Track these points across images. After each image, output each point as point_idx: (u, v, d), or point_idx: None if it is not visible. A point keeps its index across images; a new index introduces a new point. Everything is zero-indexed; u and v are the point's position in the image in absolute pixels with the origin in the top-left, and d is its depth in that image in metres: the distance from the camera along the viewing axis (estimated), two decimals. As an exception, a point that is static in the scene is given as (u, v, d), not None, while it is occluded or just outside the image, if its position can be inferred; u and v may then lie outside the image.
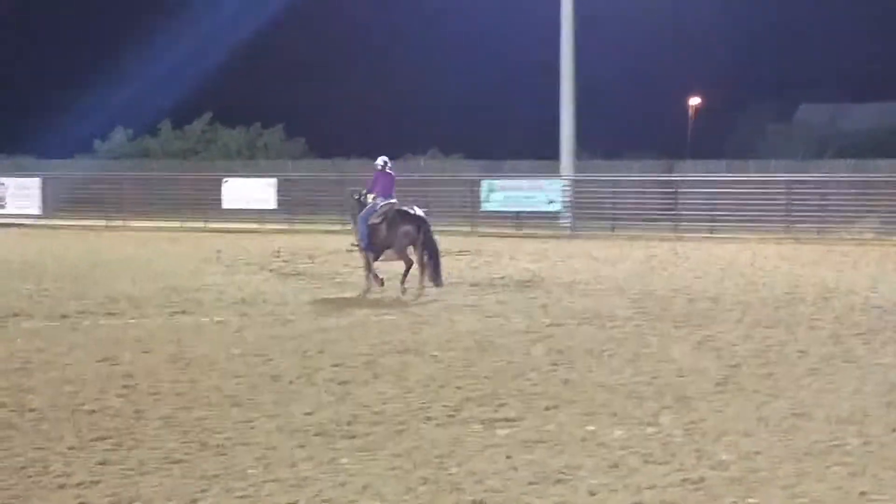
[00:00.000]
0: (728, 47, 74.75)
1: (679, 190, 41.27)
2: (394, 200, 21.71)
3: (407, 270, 20.82)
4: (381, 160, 22.23)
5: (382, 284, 20.91)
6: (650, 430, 10.12)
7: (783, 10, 74.29)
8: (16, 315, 17.68)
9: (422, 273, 20.94)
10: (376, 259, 21.31)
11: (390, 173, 22.10)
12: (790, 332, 15.93)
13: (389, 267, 21.38)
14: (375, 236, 21.19)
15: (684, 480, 8.55)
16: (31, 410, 10.90)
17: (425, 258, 20.96)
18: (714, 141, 62.09)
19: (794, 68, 74.67)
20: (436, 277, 20.99)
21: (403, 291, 20.58)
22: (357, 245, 21.94)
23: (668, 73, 71.02)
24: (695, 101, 73.47)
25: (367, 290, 20.90)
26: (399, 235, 20.98)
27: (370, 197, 21.68)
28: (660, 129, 67.56)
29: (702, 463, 9.05)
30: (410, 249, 20.98)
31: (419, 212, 21.57)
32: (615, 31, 62.41)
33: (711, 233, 38.39)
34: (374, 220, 21.29)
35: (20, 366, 13.29)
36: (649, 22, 64.90)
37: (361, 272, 21.80)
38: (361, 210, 21.59)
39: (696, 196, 41.53)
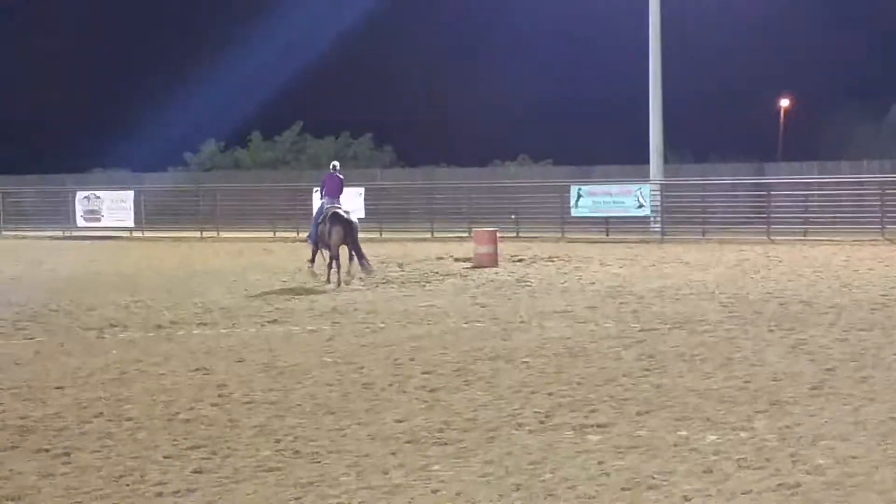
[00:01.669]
0: (818, 47, 73.77)
1: (771, 192, 40.83)
2: (337, 203, 25.22)
3: (330, 263, 24.25)
4: (333, 164, 26.44)
5: (314, 275, 24.62)
6: (744, 434, 10.02)
7: (873, 7, 73.19)
8: (112, 326, 17.98)
9: (350, 264, 24.60)
10: (315, 252, 25.06)
11: (339, 177, 25.72)
12: (886, 335, 15.69)
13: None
14: (320, 235, 24.69)
15: (780, 485, 8.46)
16: (128, 420, 11.07)
17: (353, 254, 24.60)
18: (805, 142, 61.41)
19: (886, 67, 73.54)
20: (366, 266, 24.64)
21: (328, 281, 24.03)
22: (307, 240, 26.28)
23: (757, 74, 70.36)
24: (785, 102, 72.71)
25: (315, 277, 24.58)
26: (332, 234, 24.25)
27: (318, 199, 26.40)
28: (750, 132, 66.98)
29: (797, 468, 8.94)
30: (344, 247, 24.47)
31: (350, 215, 25.28)
32: (703, 33, 61.90)
33: (804, 235, 37.90)
34: (319, 220, 24.89)
35: (116, 376, 13.51)
36: (738, 23, 64.31)
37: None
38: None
39: (788, 198, 41.08)
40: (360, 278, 24.56)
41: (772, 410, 10.92)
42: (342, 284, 23.71)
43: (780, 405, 11.14)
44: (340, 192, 25.76)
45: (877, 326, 16.45)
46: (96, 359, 14.75)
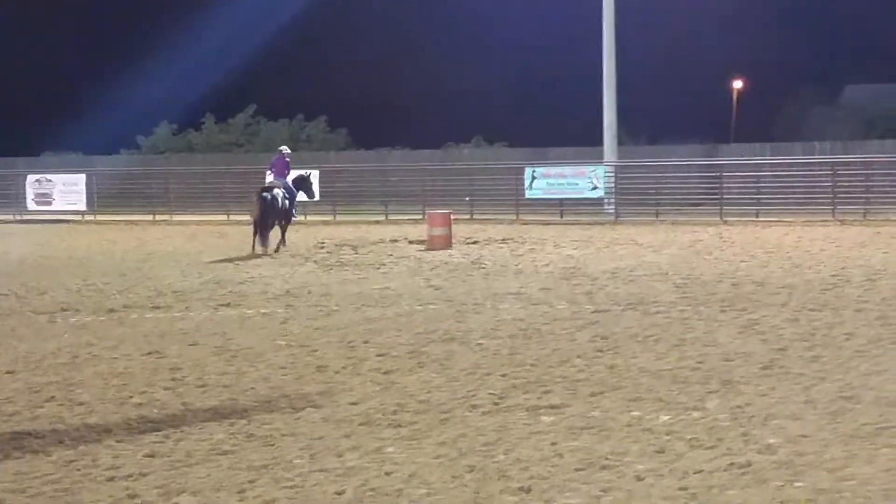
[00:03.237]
0: (772, 29, 74.21)
1: (723, 174, 41.08)
2: (277, 182, 29.07)
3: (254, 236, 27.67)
4: (280, 148, 30.83)
5: (254, 249, 27.31)
6: (696, 414, 10.08)
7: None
8: (64, 310, 17.86)
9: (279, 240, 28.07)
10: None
11: (286, 159, 29.80)
12: (837, 314, 15.83)
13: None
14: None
15: (731, 465, 8.51)
16: (80, 404, 10.99)
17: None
18: (759, 124, 61.85)
19: (840, 49, 74.12)
20: (263, 241, 27.40)
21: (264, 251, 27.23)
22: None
23: (711, 56, 70.63)
24: (738, 84, 73.09)
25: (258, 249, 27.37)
26: (258, 208, 27.31)
27: (269, 177, 29.55)
28: (703, 114, 67.25)
29: (749, 447, 9.00)
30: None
31: (275, 192, 28.06)
32: (657, 14, 62.10)
33: (756, 216, 38.21)
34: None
35: (68, 360, 13.41)
36: (691, 4, 64.51)
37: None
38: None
39: (740, 180, 41.39)
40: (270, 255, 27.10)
41: (723, 390, 10.99)
42: (257, 253, 27.02)
43: (731, 385, 11.21)
44: (285, 173, 29.59)
45: (828, 307, 16.59)
46: (48, 343, 14.65)
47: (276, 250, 27.58)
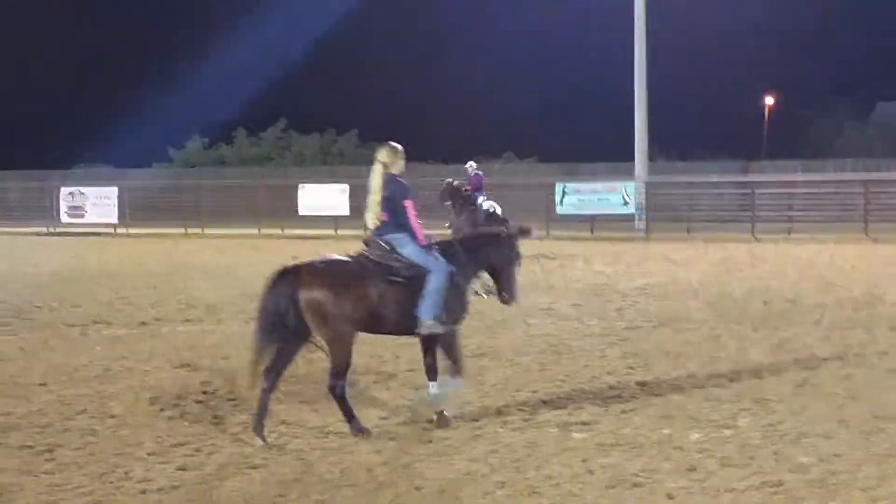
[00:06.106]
0: (804, 45, 73.99)
1: (755, 191, 40.92)
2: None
3: None
4: (470, 163, 27.99)
5: None
6: (728, 432, 10.04)
7: (858, 6, 73.39)
8: (96, 322, 17.93)
9: None
10: None
11: (479, 173, 27.30)
12: (870, 333, 15.72)
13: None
14: None
15: (763, 483, 8.48)
16: (112, 417, 11.04)
17: None
18: (790, 141, 61.60)
19: (871, 66, 73.80)
20: None
21: None
22: None
23: (742, 73, 70.54)
24: (770, 100, 72.88)
25: None
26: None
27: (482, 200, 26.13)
28: (735, 131, 67.12)
29: (781, 466, 8.96)
30: None
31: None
32: (689, 31, 62.04)
33: (789, 234, 38.02)
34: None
35: (100, 373, 13.48)
36: (723, 23, 64.42)
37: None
38: None
39: (772, 197, 41.20)
40: None
41: (755, 408, 10.94)
42: None
43: (763, 403, 11.16)
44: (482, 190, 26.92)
45: (860, 325, 16.49)
46: (80, 355, 14.71)
47: None
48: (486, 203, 26.13)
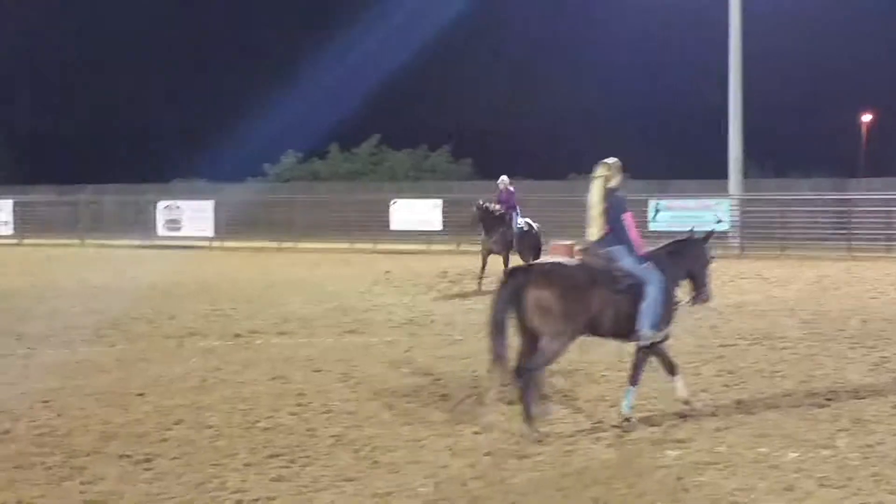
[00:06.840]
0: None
1: (852, 208, 40.35)
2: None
3: None
4: (503, 178, 26.84)
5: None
6: (825, 452, 9.91)
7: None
8: (192, 334, 18.15)
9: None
10: None
11: (510, 188, 26.53)
12: (971, 353, 15.45)
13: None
14: None
15: (862, 505, 8.37)
16: (208, 427, 11.17)
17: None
18: (888, 158, 60.65)
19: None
20: None
21: None
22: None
23: (839, 89, 69.60)
24: (867, 117, 71.92)
25: None
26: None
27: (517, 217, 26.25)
28: (831, 147, 66.24)
29: (880, 488, 8.83)
30: None
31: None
32: (785, 46, 61.41)
33: (887, 251, 37.43)
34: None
35: (196, 384, 13.64)
36: (819, 38, 63.71)
37: None
38: None
39: (870, 214, 40.56)
40: None
41: (854, 428, 10.79)
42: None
43: (862, 423, 11.00)
44: (514, 205, 26.56)
45: (961, 345, 16.20)
46: (177, 367, 14.91)
47: None
48: (519, 220, 26.09)
